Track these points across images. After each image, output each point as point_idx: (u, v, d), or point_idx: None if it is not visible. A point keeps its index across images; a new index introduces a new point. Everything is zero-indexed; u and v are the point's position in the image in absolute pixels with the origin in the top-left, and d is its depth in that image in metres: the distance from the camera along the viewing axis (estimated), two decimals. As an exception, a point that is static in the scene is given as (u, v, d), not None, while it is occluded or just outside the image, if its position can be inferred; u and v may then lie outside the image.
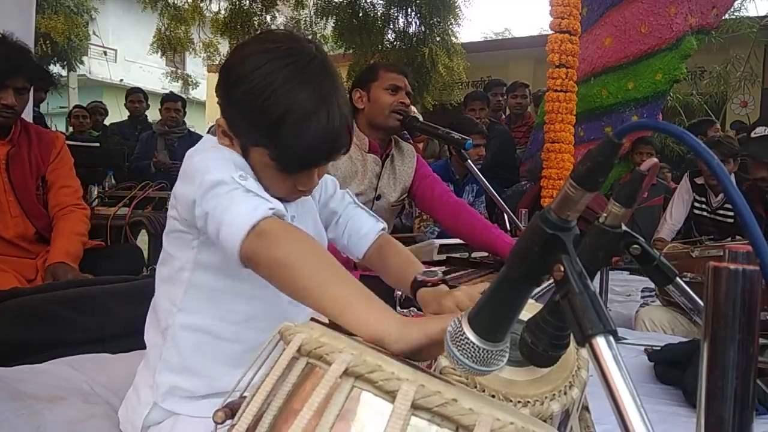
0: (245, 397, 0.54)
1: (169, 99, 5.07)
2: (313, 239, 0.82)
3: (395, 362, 0.53)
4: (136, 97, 5.79)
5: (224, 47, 9.32)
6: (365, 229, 1.14)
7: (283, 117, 0.87)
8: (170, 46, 9.25)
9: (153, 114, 5.85)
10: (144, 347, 1.06)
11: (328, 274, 0.75)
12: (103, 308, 1.55)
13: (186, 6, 8.94)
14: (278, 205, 0.83)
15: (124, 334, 1.46)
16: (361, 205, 1.19)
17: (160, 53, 9.69)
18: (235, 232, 0.79)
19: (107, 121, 6.68)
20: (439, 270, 1.06)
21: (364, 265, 1.19)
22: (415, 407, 0.45)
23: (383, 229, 1.17)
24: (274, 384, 0.51)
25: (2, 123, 2.00)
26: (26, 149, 2.08)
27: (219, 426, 0.59)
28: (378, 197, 2.10)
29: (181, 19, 8.99)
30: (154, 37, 9.41)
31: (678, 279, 0.65)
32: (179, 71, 11.24)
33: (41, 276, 2.00)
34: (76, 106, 6.75)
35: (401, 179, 2.14)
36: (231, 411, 0.58)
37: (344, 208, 1.17)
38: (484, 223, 2.10)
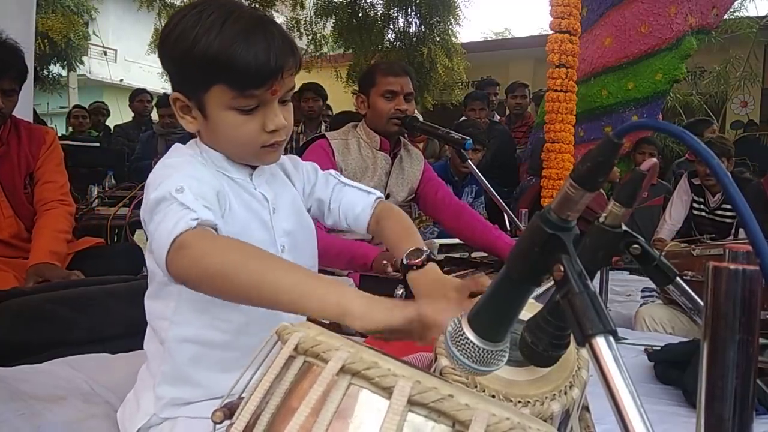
0: (243, 398, 0.54)
1: (162, 105, 4.95)
2: (241, 241, 0.78)
3: (392, 360, 0.53)
4: (144, 97, 5.79)
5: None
6: (360, 206, 1.11)
7: (219, 47, 0.86)
8: (169, 45, 9.21)
9: (154, 114, 5.85)
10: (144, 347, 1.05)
11: (272, 268, 0.73)
12: (103, 308, 1.55)
13: (183, 5, 8.90)
14: (205, 215, 0.80)
15: (124, 334, 1.46)
16: (348, 181, 1.16)
17: (158, 53, 9.65)
18: (160, 253, 0.77)
19: (108, 122, 6.68)
20: (426, 250, 1.01)
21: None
22: (412, 403, 0.45)
23: (378, 198, 1.14)
24: (271, 383, 0.51)
25: None
26: (16, 148, 2.05)
27: (218, 426, 0.59)
28: (387, 196, 2.13)
29: (180, 19, 8.95)
30: (152, 36, 9.38)
31: (678, 279, 0.65)
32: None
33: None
34: (75, 106, 6.73)
35: (409, 179, 2.17)
36: (229, 411, 0.57)
37: (331, 192, 1.13)
38: (484, 224, 2.11)
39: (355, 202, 1.12)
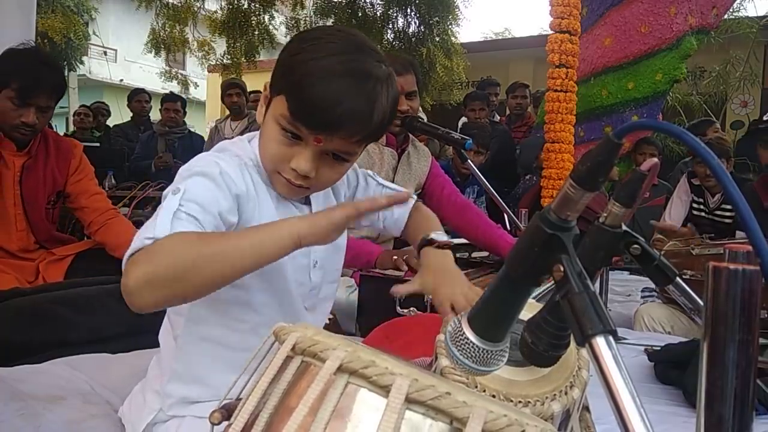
0: (242, 399, 0.54)
1: (168, 99, 5.05)
2: (178, 235, 0.76)
3: (389, 358, 0.53)
4: (142, 97, 5.79)
5: (221, 47, 9.28)
6: (398, 210, 1.17)
7: (310, 66, 0.85)
8: (164, 45, 9.23)
9: (153, 114, 5.84)
10: (144, 347, 1.06)
11: (224, 242, 0.77)
12: (103, 308, 1.55)
13: (180, 5, 8.89)
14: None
15: (124, 334, 1.46)
16: (386, 183, 1.19)
17: (153, 53, 9.66)
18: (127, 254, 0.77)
19: (109, 122, 6.68)
20: (450, 237, 1.09)
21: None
22: (409, 401, 0.45)
23: (415, 201, 1.20)
24: (269, 383, 0.51)
25: (20, 140, 1.94)
26: (43, 161, 2.02)
27: (216, 427, 0.59)
28: None
29: (177, 19, 8.96)
30: (148, 36, 9.38)
31: (678, 279, 0.65)
32: (174, 71, 11.15)
33: (42, 278, 1.98)
34: (81, 106, 6.75)
35: (416, 175, 2.17)
36: (227, 412, 0.57)
37: (372, 194, 1.14)
38: (488, 223, 2.11)
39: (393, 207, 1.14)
